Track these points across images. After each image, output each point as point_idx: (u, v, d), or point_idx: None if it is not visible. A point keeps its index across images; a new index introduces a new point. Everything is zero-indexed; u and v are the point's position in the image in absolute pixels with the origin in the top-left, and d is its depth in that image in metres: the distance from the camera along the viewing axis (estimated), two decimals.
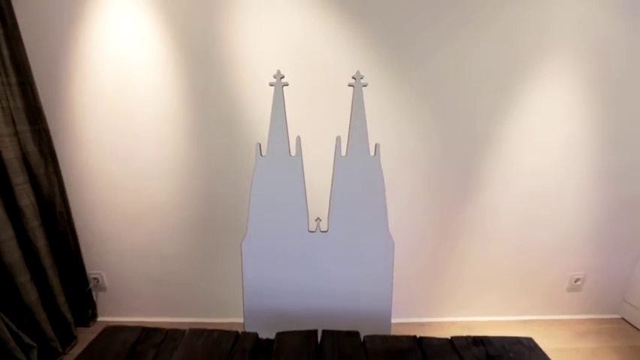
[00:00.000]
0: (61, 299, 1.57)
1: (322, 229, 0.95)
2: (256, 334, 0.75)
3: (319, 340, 0.75)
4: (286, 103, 0.94)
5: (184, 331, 0.75)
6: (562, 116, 1.57)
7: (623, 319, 1.91)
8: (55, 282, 1.54)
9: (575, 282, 1.83)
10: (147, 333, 0.73)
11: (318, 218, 0.95)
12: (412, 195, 1.61)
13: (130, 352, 0.69)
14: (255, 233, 0.92)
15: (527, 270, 1.81)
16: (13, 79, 1.39)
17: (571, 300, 1.88)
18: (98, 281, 1.76)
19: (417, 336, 0.76)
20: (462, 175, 1.61)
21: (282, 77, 0.92)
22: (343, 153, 0.94)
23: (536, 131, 1.57)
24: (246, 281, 0.92)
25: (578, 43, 1.45)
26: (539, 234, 1.75)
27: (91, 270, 1.74)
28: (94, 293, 1.78)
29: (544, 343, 0.82)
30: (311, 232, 0.94)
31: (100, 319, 1.81)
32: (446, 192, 1.63)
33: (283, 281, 0.91)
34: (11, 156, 1.36)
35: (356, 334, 0.76)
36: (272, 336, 0.76)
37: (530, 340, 0.77)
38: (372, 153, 0.95)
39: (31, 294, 1.42)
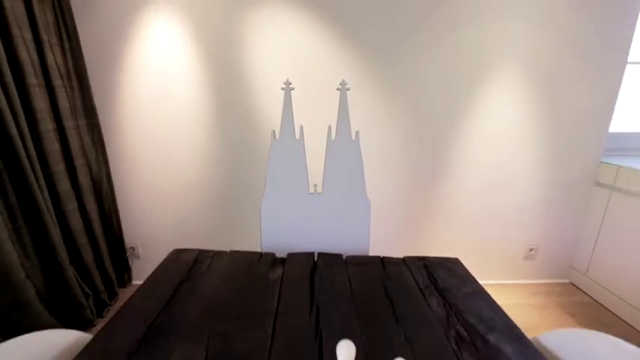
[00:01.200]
0: (108, 262, 1.98)
1: (318, 192, 1.36)
2: (274, 254, 1.16)
3: (316, 258, 1.16)
4: (293, 102, 1.36)
5: (227, 252, 1.16)
6: (511, 117, 2.00)
7: (571, 283, 2.33)
8: (103, 247, 1.95)
9: (530, 251, 2.25)
10: (203, 252, 1.15)
11: (315, 184, 1.37)
12: (393, 173, 2.04)
13: (193, 262, 1.10)
14: (271, 194, 1.33)
15: (489, 242, 2.23)
16: (75, 84, 1.81)
17: (527, 267, 2.30)
18: (134, 250, 2.16)
19: (381, 256, 1.17)
20: (432, 161, 2.05)
21: (290, 84, 1.33)
22: (333, 138, 1.36)
23: (489, 128, 2.00)
24: (264, 228, 1.33)
25: (519, 57, 1.88)
26: (498, 213, 2.18)
27: (129, 241, 2.15)
28: (130, 260, 2.19)
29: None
30: (310, 193, 1.36)
31: (134, 282, 2.21)
32: (419, 174, 2.06)
33: (290, 227, 1.32)
34: (75, 143, 1.77)
35: (340, 255, 1.17)
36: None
37: (456, 259, 1.18)
38: (353, 138, 1.37)
39: (88, 255, 1.83)
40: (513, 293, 2.23)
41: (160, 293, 0.91)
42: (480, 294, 0.98)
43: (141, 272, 2.23)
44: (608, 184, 2.06)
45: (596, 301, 2.14)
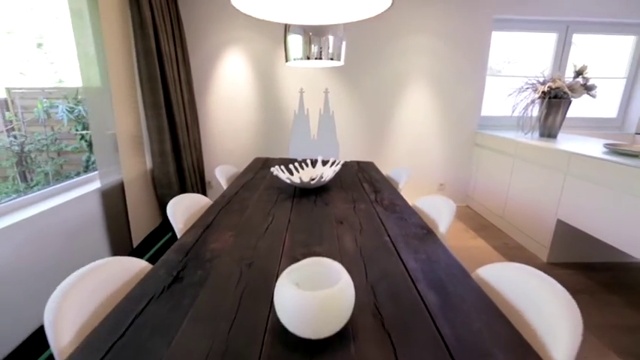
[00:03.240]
0: (196, 188, 3.73)
1: (315, 138, 3.12)
2: (297, 159, 2.91)
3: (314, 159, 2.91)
4: (303, 98, 3.09)
5: (279, 158, 2.91)
6: (423, 107, 3.74)
7: (467, 206, 4.05)
8: (197, 179, 3.70)
9: (441, 185, 3.99)
10: (269, 158, 2.89)
11: (314, 134, 3.13)
12: (357, 133, 3.79)
13: (264, 160, 2.84)
14: (294, 139, 3.09)
15: (415, 179, 3.96)
16: (188, 88, 3.56)
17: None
18: (209, 183, 3.91)
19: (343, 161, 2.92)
20: (380, 127, 3.79)
21: (302, 89, 3.09)
22: (322, 114, 3.11)
23: (410, 115, 3.75)
24: (290, 151, 3.08)
25: (427, 74, 3.63)
26: (421, 164, 3.90)
27: (207, 178, 3.90)
28: (207, 189, 3.94)
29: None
30: (311, 139, 3.11)
31: None
32: (372, 135, 3.80)
33: (302, 151, 3.08)
34: (189, 118, 3.52)
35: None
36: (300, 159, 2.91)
37: (371, 162, 2.91)
38: (331, 114, 3.12)
39: (192, 179, 3.59)
40: None
41: (250, 171, 2.65)
42: (376, 170, 2.71)
43: (213, 196, 3.98)
44: (481, 144, 3.80)
45: (480, 215, 3.87)
